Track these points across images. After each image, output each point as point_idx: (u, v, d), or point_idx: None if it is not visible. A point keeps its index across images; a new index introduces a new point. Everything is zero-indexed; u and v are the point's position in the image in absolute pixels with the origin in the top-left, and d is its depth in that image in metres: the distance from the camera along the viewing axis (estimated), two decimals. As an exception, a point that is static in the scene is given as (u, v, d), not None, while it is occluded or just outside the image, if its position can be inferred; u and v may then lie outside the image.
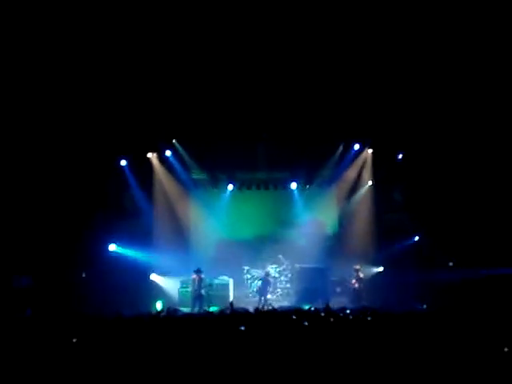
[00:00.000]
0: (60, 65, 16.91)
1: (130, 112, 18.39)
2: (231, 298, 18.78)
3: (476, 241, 18.08)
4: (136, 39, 16.52)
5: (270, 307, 12.87)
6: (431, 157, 19.13)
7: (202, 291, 18.37)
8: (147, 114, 18.48)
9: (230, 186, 21.04)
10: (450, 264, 19.28)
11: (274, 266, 20.64)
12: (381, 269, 19.63)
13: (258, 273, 20.14)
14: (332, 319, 9.10)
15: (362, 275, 18.76)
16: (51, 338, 7.62)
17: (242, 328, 7.92)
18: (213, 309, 15.27)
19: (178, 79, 17.71)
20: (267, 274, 19.07)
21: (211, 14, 15.95)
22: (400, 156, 19.77)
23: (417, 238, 19.58)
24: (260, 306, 15.63)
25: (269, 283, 19.06)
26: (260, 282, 18.90)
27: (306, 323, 8.57)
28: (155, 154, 20.63)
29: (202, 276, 18.49)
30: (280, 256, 20.45)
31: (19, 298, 16.79)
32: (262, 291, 18.66)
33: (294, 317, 9.22)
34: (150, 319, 9.68)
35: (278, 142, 19.68)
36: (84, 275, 18.83)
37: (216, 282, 19.36)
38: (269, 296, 18.72)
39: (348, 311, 10.61)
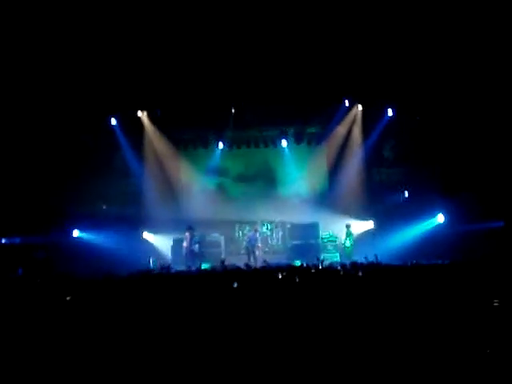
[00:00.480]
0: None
1: (121, 70, 18.23)
2: (223, 255, 18.98)
3: (467, 196, 18.23)
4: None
5: (264, 263, 13.01)
6: (421, 112, 19.16)
7: (195, 248, 18.55)
8: (138, 72, 18.32)
9: (220, 145, 21.00)
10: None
11: (265, 222, 20.80)
12: (371, 224, 19.72)
13: (248, 230, 20.25)
14: (322, 275, 9.22)
15: (352, 231, 18.98)
16: (42, 299, 7.67)
17: (235, 285, 8.01)
18: (204, 266, 15.37)
19: (170, 37, 17.59)
20: (256, 231, 19.13)
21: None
22: (390, 113, 19.65)
23: (406, 194, 19.66)
24: (250, 263, 15.75)
25: (257, 240, 19.13)
26: (248, 239, 18.96)
27: (297, 279, 8.67)
28: (145, 113, 20.50)
29: (194, 233, 18.64)
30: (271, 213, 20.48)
31: (10, 257, 16.90)
32: (251, 248, 18.74)
33: (285, 273, 9.31)
34: (142, 277, 9.77)
35: (268, 100, 19.56)
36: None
37: (207, 238, 19.62)
38: (258, 253, 18.80)
39: (338, 267, 10.72)
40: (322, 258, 15.05)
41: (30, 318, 6.86)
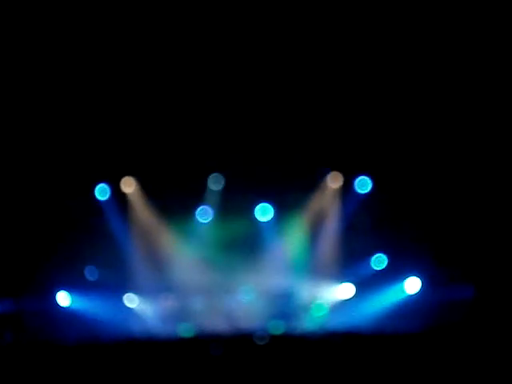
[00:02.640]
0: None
1: (108, 137, 18.67)
2: (204, 322, 19.08)
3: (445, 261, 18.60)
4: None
5: (240, 330, 13.19)
6: (400, 183, 19.52)
7: (174, 313, 18.67)
8: (124, 140, 18.78)
9: (201, 212, 21.27)
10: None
11: (244, 290, 20.89)
12: (351, 289, 19.92)
13: (229, 296, 20.38)
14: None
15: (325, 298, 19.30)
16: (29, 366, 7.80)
17: (215, 353, 8.22)
18: (184, 332, 15.49)
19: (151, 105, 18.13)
20: (236, 298, 19.35)
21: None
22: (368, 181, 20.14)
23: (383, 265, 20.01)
24: (229, 330, 15.89)
25: (238, 307, 19.33)
26: (229, 307, 19.14)
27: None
28: (132, 180, 20.73)
29: (175, 299, 18.79)
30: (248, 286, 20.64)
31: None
32: (231, 316, 18.91)
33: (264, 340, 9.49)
34: (126, 343, 9.93)
35: (248, 168, 20.00)
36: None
37: (189, 305, 19.74)
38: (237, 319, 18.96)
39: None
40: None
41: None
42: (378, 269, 19.86)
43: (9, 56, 16.33)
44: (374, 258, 19.89)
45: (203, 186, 20.52)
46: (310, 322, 19.05)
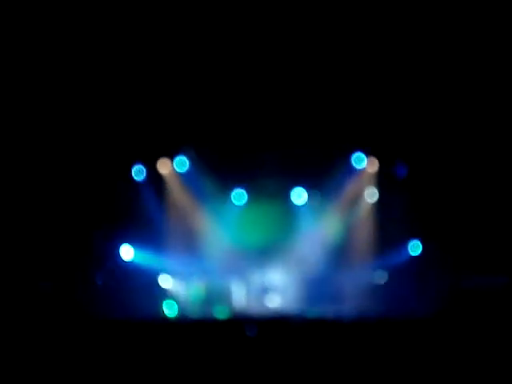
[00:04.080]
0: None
1: (145, 119, 18.80)
2: (237, 305, 19.24)
3: (479, 252, 18.41)
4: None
5: (275, 314, 13.25)
6: (435, 171, 19.39)
7: (209, 297, 18.84)
8: (161, 121, 18.85)
9: (239, 196, 21.33)
10: None
11: (278, 274, 20.98)
12: (384, 277, 19.89)
13: (263, 281, 20.48)
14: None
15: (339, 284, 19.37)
16: (59, 340, 7.92)
17: (250, 334, 8.26)
18: (219, 315, 15.60)
19: (190, 90, 18.15)
20: (269, 283, 19.51)
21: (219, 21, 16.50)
22: (403, 170, 19.96)
23: (419, 251, 19.87)
24: (263, 313, 15.99)
25: (270, 291, 19.54)
26: (263, 290, 19.28)
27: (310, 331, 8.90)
28: (169, 162, 20.87)
29: (209, 282, 18.97)
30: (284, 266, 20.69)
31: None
32: (264, 299, 19.04)
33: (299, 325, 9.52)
34: (159, 323, 10.05)
35: (284, 152, 20.06)
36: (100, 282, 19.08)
37: (223, 287, 19.95)
38: (271, 304, 19.07)
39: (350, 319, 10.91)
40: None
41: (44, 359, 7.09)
42: (414, 255, 19.72)
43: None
44: (410, 244, 19.82)
45: (239, 169, 20.45)
46: (343, 307, 19.03)
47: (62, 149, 18.72)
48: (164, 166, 20.83)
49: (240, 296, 20.07)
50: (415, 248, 19.61)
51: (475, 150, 18.47)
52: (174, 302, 19.03)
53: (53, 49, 16.85)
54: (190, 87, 18.26)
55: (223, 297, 19.62)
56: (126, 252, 19.47)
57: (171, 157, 20.71)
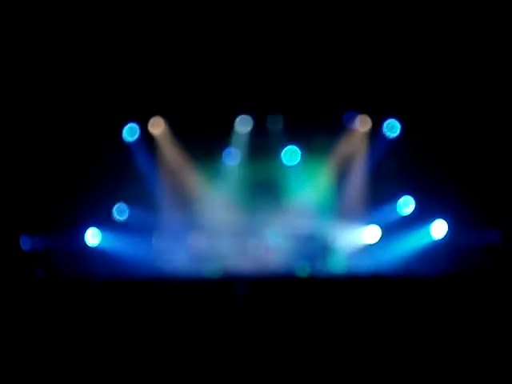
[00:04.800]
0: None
1: (136, 77, 18.64)
2: (230, 263, 19.35)
3: (472, 204, 18.48)
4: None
5: (269, 272, 13.34)
6: (430, 127, 19.27)
7: (202, 253, 18.96)
8: (153, 81, 18.74)
9: (230, 154, 21.31)
10: None
11: (272, 231, 20.99)
12: (377, 232, 20.00)
13: (256, 238, 20.57)
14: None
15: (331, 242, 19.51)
16: (55, 300, 7.92)
17: (242, 293, 8.28)
18: (211, 273, 15.69)
19: (181, 47, 17.97)
20: (264, 239, 19.62)
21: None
22: (396, 128, 20.02)
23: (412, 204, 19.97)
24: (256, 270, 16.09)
25: (265, 248, 19.71)
26: (257, 248, 19.43)
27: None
28: (161, 120, 20.77)
29: (203, 240, 19.07)
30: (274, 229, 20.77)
31: (30, 259, 17.21)
32: (258, 257, 19.16)
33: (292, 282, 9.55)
34: (156, 282, 10.06)
35: (275, 111, 20.13)
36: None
37: (217, 246, 20.01)
38: (267, 260, 19.20)
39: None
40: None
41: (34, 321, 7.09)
42: (405, 212, 19.80)
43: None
44: (400, 200, 19.89)
45: (231, 128, 20.37)
46: (335, 265, 19.15)
47: (51, 106, 18.58)
48: (156, 125, 20.73)
49: (232, 255, 20.20)
50: (406, 205, 19.74)
51: (470, 106, 18.47)
52: None
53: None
54: (183, 44, 18.07)
55: (215, 256, 19.72)
56: (92, 236, 19.35)
57: (163, 115, 20.61)
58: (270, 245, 20.28)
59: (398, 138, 19.92)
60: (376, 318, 7.20)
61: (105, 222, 19.33)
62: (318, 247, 19.55)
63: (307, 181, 21.15)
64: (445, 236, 18.86)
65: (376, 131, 20.38)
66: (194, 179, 21.40)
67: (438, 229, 18.95)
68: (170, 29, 17.59)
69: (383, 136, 20.10)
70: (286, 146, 21.14)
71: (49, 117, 18.50)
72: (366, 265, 14.88)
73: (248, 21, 17.39)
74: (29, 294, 8.46)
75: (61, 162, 18.97)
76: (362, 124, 20.59)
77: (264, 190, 21.31)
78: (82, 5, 16.68)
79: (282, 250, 20.86)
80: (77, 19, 17.04)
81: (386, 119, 20.06)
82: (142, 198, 20.15)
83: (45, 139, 18.70)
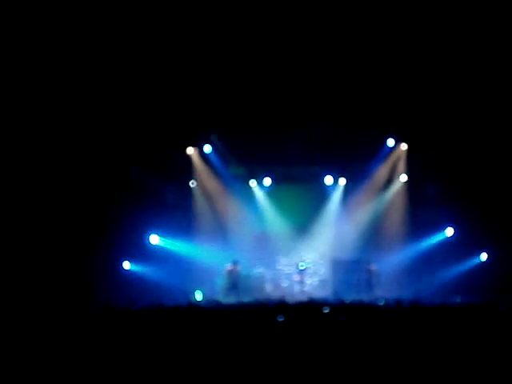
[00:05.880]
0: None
1: (171, 108, 18.72)
2: (267, 290, 19.20)
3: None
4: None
5: (307, 298, 13.09)
6: (465, 152, 19.10)
7: (238, 282, 18.82)
8: (186, 108, 18.77)
9: (267, 181, 21.24)
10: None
11: (308, 258, 20.78)
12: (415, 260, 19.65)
13: (293, 266, 20.32)
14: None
15: (373, 268, 19.08)
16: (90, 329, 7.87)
17: (281, 319, 8.10)
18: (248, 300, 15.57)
19: (216, 72, 17.97)
20: (302, 267, 19.39)
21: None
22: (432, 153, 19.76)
23: (451, 233, 19.61)
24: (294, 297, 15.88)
25: (305, 275, 19.39)
26: (298, 275, 19.21)
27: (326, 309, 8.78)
28: (195, 149, 20.93)
29: (239, 267, 18.93)
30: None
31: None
32: (299, 283, 18.98)
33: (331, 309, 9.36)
34: (190, 309, 9.94)
35: (314, 137, 19.92)
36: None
37: (253, 273, 19.91)
38: (303, 288, 19.00)
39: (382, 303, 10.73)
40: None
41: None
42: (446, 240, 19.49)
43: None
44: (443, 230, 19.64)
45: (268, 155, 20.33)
46: (373, 292, 18.81)
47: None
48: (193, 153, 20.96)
49: (268, 283, 20.06)
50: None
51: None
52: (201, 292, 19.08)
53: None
54: (215, 75, 18.15)
55: (255, 283, 19.57)
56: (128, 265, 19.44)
57: (198, 145, 20.86)
58: (306, 273, 20.01)
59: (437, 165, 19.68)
60: (416, 342, 7.02)
61: (141, 250, 19.28)
62: (356, 275, 19.26)
63: (346, 205, 21.04)
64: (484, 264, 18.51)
65: (415, 159, 20.27)
66: (230, 203, 21.29)
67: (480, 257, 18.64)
68: (209, 58, 17.72)
69: (422, 163, 19.90)
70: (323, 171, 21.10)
71: (85, 142, 18.70)
72: (408, 291, 14.60)
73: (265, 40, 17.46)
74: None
75: (98, 189, 19.10)
76: (399, 152, 20.72)
77: (301, 214, 21.19)
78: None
79: (320, 278, 20.72)
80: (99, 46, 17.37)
81: (423, 147, 19.88)
82: (180, 225, 20.20)
83: (79, 166, 18.83)
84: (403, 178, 20.78)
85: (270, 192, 21.43)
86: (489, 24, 16.32)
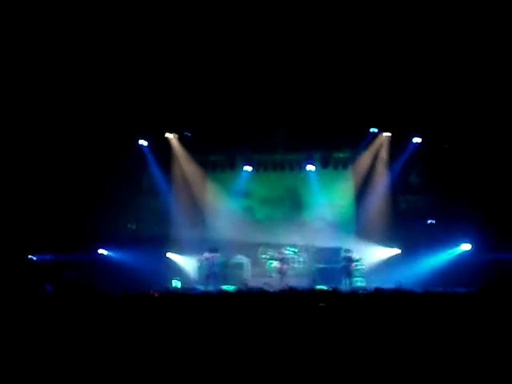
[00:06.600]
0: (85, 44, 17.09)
1: (150, 92, 18.50)
2: (246, 278, 19.03)
3: (494, 223, 18.07)
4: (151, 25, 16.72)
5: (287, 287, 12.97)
6: (449, 139, 19.16)
7: (216, 269, 18.64)
8: (167, 94, 18.55)
9: (247, 167, 21.06)
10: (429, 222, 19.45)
11: (289, 246, 20.68)
12: (397, 251, 19.51)
13: (273, 253, 20.19)
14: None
15: (353, 256, 18.74)
16: (64, 315, 7.73)
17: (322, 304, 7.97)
18: (227, 288, 15.39)
19: (198, 59, 17.76)
20: (283, 255, 19.29)
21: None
22: (417, 139, 19.67)
23: (432, 221, 19.59)
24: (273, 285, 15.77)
25: (287, 263, 19.23)
26: (278, 263, 19.07)
27: (322, 304, 8.63)
28: (174, 135, 20.81)
29: (218, 255, 18.75)
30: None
31: (39, 274, 17.03)
32: (281, 272, 18.85)
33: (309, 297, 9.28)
34: (168, 297, 9.78)
35: (295, 124, 19.70)
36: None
37: (232, 261, 19.75)
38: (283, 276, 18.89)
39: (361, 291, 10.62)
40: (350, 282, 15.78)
41: (55, 332, 6.92)
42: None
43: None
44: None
45: (249, 141, 20.16)
46: (356, 280, 18.75)
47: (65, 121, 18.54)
48: (172, 139, 20.89)
49: (249, 270, 19.94)
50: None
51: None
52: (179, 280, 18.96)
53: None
54: (202, 59, 17.94)
55: (233, 271, 19.42)
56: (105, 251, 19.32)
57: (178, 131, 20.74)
58: (288, 259, 19.89)
59: (418, 149, 19.63)
60: (397, 333, 6.92)
61: (119, 235, 19.11)
62: (337, 263, 19.15)
63: (327, 193, 20.75)
64: (466, 253, 18.49)
65: (397, 147, 20.10)
66: (210, 190, 21.34)
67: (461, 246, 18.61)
68: (192, 47, 17.50)
69: (404, 151, 19.82)
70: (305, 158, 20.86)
71: (67, 133, 18.52)
72: (389, 280, 14.50)
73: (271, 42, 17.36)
74: (39, 308, 8.30)
75: (74, 176, 18.92)
76: (382, 139, 20.53)
77: (282, 203, 21.31)
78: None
79: (301, 265, 20.64)
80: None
81: (407, 135, 19.78)
82: (157, 212, 20.05)
83: (59, 153, 18.68)
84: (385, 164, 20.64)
85: (250, 179, 21.21)
86: (488, 23, 16.27)
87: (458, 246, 18.51)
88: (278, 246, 20.01)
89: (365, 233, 19.68)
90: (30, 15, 15.98)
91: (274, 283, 17.75)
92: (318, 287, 13.66)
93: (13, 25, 16.08)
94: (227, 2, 16.25)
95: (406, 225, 19.85)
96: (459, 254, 18.44)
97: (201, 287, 16.82)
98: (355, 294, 10.37)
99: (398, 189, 20.34)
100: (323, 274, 18.91)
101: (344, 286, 17.55)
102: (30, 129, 18.18)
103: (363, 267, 19.29)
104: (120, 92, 18.44)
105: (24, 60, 16.96)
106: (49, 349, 6.66)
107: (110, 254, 19.08)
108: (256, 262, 20.58)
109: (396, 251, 19.49)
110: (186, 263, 19.89)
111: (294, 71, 18.03)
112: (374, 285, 15.87)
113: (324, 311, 8.02)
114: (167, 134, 20.73)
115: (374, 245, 19.41)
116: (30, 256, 17.83)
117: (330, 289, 11.06)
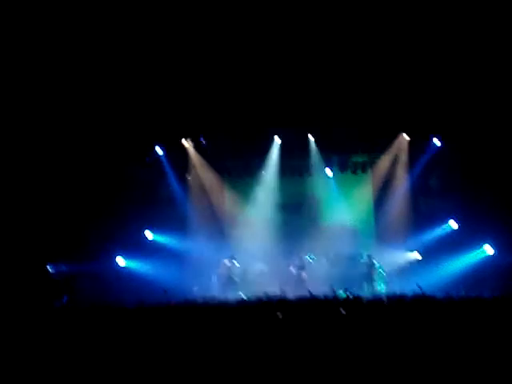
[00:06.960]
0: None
1: (166, 100, 18.53)
2: (266, 285, 18.90)
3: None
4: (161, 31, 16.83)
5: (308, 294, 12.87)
6: (469, 142, 18.83)
7: (236, 278, 18.53)
8: (184, 101, 18.56)
9: (265, 173, 20.91)
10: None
11: (308, 252, 20.49)
12: (416, 255, 19.33)
13: (293, 260, 20.04)
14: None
15: (373, 261, 18.73)
16: (80, 326, 7.71)
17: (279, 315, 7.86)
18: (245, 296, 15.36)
19: (213, 67, 17.79)
20: (304, 262, 19.16)
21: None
22: (437, 142, 19.54)
23: (454, 224, 19.29)
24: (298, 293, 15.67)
25: (307, 270, 19.14)
26: (298, 270, 18.92)
27: (343, 311, 8.53)
28: (190, 142, 20.78)
29: (236, 262, 18.66)
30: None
31: (56, 286, 17.04)
32: (301, 279, 18.70)
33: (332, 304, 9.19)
34: (186, 306, 9.71)
35: (312, 128, 19.99)
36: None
37: (251, 268, 19.61)
38: (303, 283, 18.75)
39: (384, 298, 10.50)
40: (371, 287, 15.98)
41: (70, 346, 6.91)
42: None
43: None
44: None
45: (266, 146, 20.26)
46: (376, 286, 18.58)
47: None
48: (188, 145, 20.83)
49: (268, 278, 19.79)
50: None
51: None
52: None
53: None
54: (219, 67, 17.99)
55: (253, 278, 19.31)
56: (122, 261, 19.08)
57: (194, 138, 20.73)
58: (308, 265, 19.76)
59: (438, 152, 19.42)
60: (418, 337, 6.85)
61: (136, 245, 19.05)
62: (357, 269, 19.01)
63: (346, 198, 20.73)
64: (489, 258, 18.24)
65: (417, 150, 20.01)
66: (227, 197, 21.34)
67: (484, 251, 18.34)
68: (207, 54, 17.55)
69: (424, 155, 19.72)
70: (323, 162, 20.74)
71: (79, 138, 18.57)
72: (410, 284, 14.34)
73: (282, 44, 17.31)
74: (54, 321, 8.29)
75: (91, 186, 18.97)
76: (402, 143, 20.41)
77: (301, 206, 21.06)
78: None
79: (320, 273, 20.47)
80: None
81: (426, 138, 19.66)
82: (175, 221, 19.99)
83: (75, 164, 18.72)
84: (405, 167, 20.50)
85: (268, 185, 21.04)
86: (489, 22, 16.18)
87: (480, 249, 18.22)
88: (297, 253, 19.81)
89: (385, 237, 19.58)
90: (49, 22, 16.08)
91: (294, 290, 17.71)
92: (339, 293, 13.57)
93: (28, 32, 16.14)
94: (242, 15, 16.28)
95: (426, 228, 19.57)
96: (482, 258, 18.18)
97: (220, 295, 16.73)
98: (378, 302, 10.26)
99: (418, 192, 20.24)
100: (343, 280, 18.75)
101: (365, 291, 17.41)
102: (50, 140, 18.29)
103: (384, 272, 19.07)
104: (134, 99, 18.59)
105: (37, 69, 17.04)
106: (61, 361, 6.63)
107: (127, 263, 18.98)
108: (275, 270, 20.43)
109: (417, 255, 19.34)
110: (205, 271, 19.78)
111: (310, 76, 18.06)
112: (395, 290, 15.75)
113: (346, 319, 7.94)
114: (183, 141, 20.64)
115: (394, 249, 19.23)
116: (47, 266, 17.80)
117: (351, 296, 10.96)
